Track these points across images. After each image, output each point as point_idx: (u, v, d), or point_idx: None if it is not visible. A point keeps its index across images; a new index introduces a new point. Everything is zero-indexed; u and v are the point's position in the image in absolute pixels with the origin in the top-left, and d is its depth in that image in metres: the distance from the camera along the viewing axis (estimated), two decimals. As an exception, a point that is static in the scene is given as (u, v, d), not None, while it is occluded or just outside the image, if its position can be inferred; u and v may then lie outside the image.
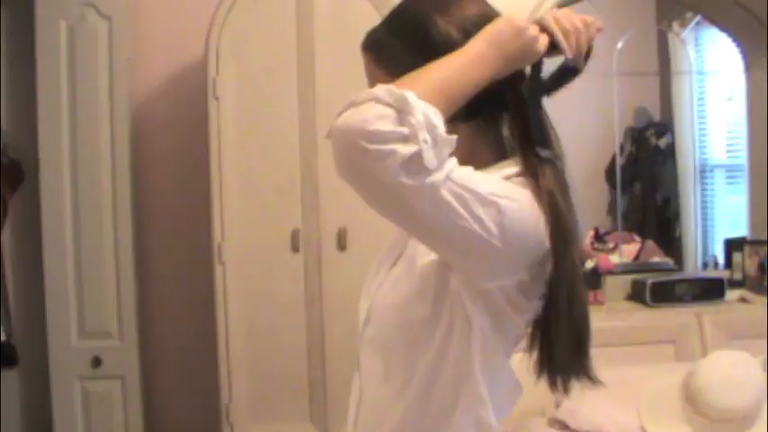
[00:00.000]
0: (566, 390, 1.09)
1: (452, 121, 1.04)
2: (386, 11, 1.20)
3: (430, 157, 0.91)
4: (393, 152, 0.90)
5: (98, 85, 3.02)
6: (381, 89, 0.93)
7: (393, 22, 1.13)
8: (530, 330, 1.10)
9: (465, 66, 1.01)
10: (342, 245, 2.87)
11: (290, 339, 2.89)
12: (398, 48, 1.09)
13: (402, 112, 0.91)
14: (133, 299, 3.07)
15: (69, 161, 3.03)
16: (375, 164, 0.91)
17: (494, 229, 0.96)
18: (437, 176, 0.93)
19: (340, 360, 2.84)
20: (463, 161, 0.98)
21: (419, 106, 0.92)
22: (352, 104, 0.94)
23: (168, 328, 3.35)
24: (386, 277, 1.16)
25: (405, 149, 0.91)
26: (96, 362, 3.04)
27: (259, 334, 2.88)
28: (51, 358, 3.02)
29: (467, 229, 0.95)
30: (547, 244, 1.02)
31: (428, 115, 0.92)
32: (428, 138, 0.91)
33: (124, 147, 3.06)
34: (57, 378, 3.02)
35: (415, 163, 0.91)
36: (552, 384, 1.09)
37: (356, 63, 1.19)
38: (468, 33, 1.05)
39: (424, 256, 1.08)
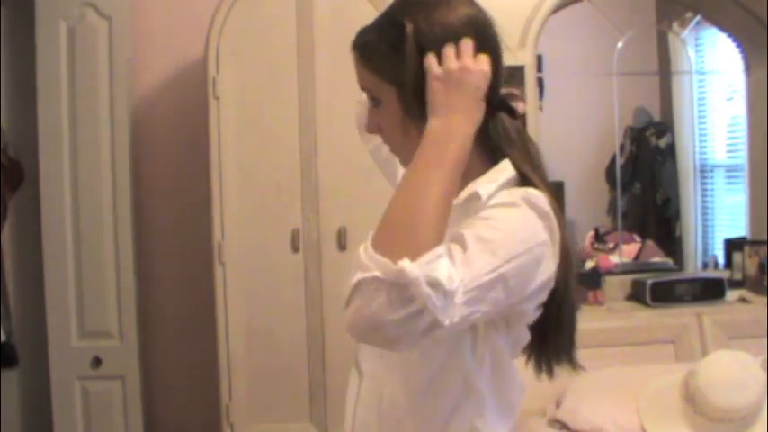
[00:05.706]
0: (550, 373, 1.16)
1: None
2: (386, 11, 1.19)
3: (444, 316, 0.92)
4: (409, 330, 0.92)
5: (98, 85, 3.02)
6: (375, 263, 0.91)
7: (381, 27, 1.13)
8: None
9: (441, 173, 1.01)
10: (342, 245, 2.87)
11: (290, 339, 2.89)
12: (385, 54, 1.10)
13: (405, 287, 0.90)
14: (133, 299, 3.06)
15: (69, 161, 3.03)
16: (396, 341, 0.94)
17: (514, 292, 0.99)
18: (453, 319, 0.93)
19: (340, 360, 2.83)
20: None
21: (419, 275, 0.90)
22: (356, 291, 0.93)
23: (168, 328, 3.35)
24: None
25: (421, 322, 0.91)
26: (96, 362, 3.04)
27: (259, 334, 2.88)
28: (51, 358, 3.02)
29: (488, 313, 0.99)
30: (553, 264, 1.05)
31: (431, 278, 0.90)
32: (439, 299, 0.91)
33: (124, 147, 3.05)
34: (57, 378, 3.02)
35: (433, 325, 0.92)
36: (538, 368, 1.16)
37: (356, 63, 1.19)
38: (452, 39, 1.06)
39: None
